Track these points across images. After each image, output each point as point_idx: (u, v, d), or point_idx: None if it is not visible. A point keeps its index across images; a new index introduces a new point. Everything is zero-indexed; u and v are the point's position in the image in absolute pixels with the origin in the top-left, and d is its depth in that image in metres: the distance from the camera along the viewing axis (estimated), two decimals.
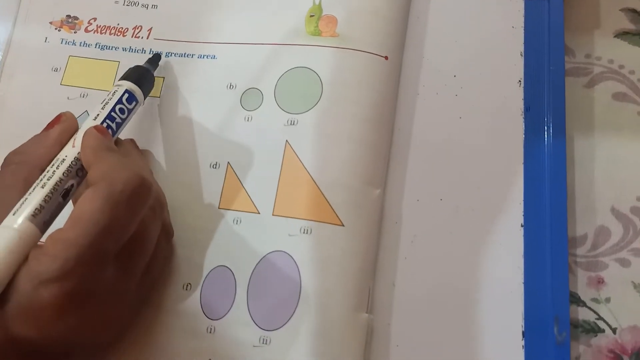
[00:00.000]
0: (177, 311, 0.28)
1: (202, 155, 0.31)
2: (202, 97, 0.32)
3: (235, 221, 0.29)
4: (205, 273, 0.28)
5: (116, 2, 0.35)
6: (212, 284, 0.28)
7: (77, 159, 0.25)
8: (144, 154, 0.31)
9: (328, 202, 0.29)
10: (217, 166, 0.30)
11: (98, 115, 0.27)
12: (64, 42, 0.34)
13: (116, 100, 0.28)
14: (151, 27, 0.34)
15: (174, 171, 0.31)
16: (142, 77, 0.30)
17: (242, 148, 0.30)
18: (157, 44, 0.34)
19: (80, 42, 0.34)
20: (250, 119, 0.31)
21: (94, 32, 0.34)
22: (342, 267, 0.28)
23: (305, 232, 0.28)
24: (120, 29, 0.34)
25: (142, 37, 0.34)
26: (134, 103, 0.29)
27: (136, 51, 0.34)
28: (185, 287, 0.28)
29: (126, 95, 0.28)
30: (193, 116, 0.32)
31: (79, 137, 0.26)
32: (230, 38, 0.33)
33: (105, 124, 0.27)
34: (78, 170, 0.25)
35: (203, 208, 0.30)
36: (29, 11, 0.35)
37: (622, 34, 0.35)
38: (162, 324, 0.28)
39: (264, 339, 0.27)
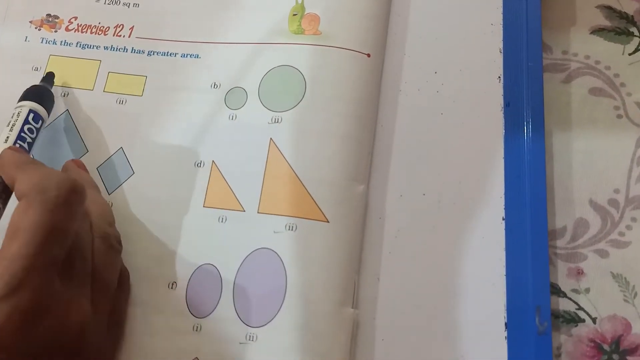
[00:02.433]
0: (162, 310, 0.28)
1: (187, 153, 0.31)
2: (186, 96, 0.32)
3: (220, 219, 0.29)
4: (191, 271, 0.28)
5: (97, 1, 0.35)
6: (198, 282, 0.28)
7: None
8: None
9: (313, 198, 0.29)
10: (202, 165, 0.30)
11: (8, 137, 0.27)
12: (44, 41, 0.34)
13: (23, 121, 0.28)
14: (133, 26, 0.34)
15: (158, 170, 0.31)
16: (42, 95, 0.30)
17: (227, 146, 0.30)
18: (139, 42, 0.33)
19: (61, 41, 0.34)
20: (234, 117, 0.31)
21: (74, 31, 0.34)
22: (327, 262, 0.28)
23: (291, 228, 0.28)
24: (101, 28, 0.34)
25: (123, 36, 0.34)
26: (40, 122, 0.29)
27: (118, 50, 0.33)
28: (170, 285, 0.28)
29: (32, 115, 0.29)
30: (177, 115, 0.32)
31: None
32: (213, 37, 0.33)
33: (17, 145, 0.27)
34: (1, 193, 0.25)
35: (188, 206, 0.30)
36: (9, 10, 0.35)
37: (598, 31, 0.35)
38: (147, 323, 0.28)
39: (250, 336, 0.27)
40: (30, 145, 0.28)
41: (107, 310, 0.26)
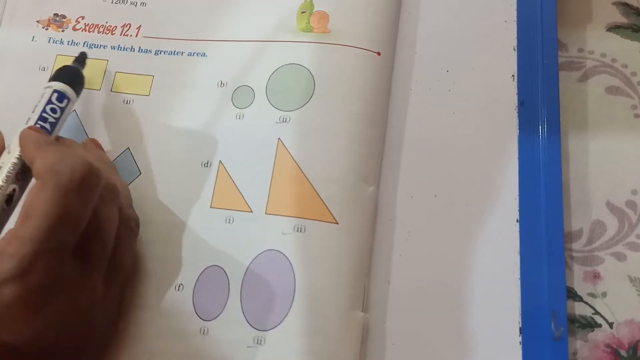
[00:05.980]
0: (169, 312, 0.28)
1: (193, 153, 0.30)
2: (193, 95, 0.32)
3: (227, 220, 0.29)
4: (197, 273, 0.28)
5: (104, 0, 0.34)
6: (204, 284, 0.28)
7: (14, 164, 0.25)
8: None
9: (322, 199, 0.28)
10: (209, 165, 0.30)
11: (29, 119, 0.27)
12: (51, 40, 0.34)
13: (46, 101, 0.28)
14: (140, 25, 0.34)
15: (165, 170, 0.30)
16: (70, 75, 0.29)
17: (234, 146, 0.30)
18: (146, 41, 0.33)
19: (68, 41, 0.34)
20: (241, 116, 0.31)
21: (82, 31, 0.34)
22: (336, 265, 0.27)
23: (299, 230, 0.28)
24: (108, 27, 0.34)
25: (131, 35, 0.33)
26: (65, 101, 0.28)
27: (125, 49, 0.33)
28: (177, 287, 0.28)
29: (55, 94, 0.28)
30: (183, 114, 0.31)
31: (13, 142, 0.26)
32: (220, 35, 0.33)
33: (38, 125, 0.27)
34: (18, 174, 0.25)
35: (195, 207, 0.29)
36: (15, 10, 0.35)
37: (615, 28, 0.35)
38: (153, 325, 0.28)
39: (258, 339, 0.27)
40: (54, 125, 0.28)
41: (118, 293, 0.26)
